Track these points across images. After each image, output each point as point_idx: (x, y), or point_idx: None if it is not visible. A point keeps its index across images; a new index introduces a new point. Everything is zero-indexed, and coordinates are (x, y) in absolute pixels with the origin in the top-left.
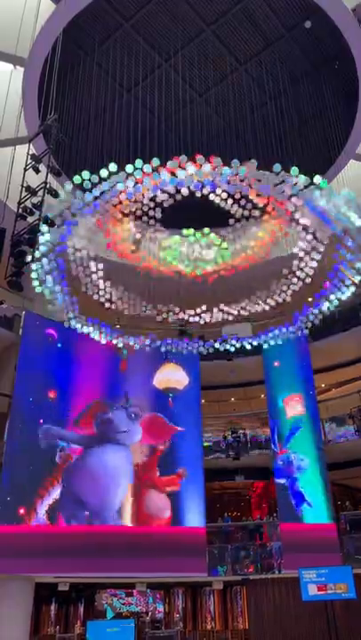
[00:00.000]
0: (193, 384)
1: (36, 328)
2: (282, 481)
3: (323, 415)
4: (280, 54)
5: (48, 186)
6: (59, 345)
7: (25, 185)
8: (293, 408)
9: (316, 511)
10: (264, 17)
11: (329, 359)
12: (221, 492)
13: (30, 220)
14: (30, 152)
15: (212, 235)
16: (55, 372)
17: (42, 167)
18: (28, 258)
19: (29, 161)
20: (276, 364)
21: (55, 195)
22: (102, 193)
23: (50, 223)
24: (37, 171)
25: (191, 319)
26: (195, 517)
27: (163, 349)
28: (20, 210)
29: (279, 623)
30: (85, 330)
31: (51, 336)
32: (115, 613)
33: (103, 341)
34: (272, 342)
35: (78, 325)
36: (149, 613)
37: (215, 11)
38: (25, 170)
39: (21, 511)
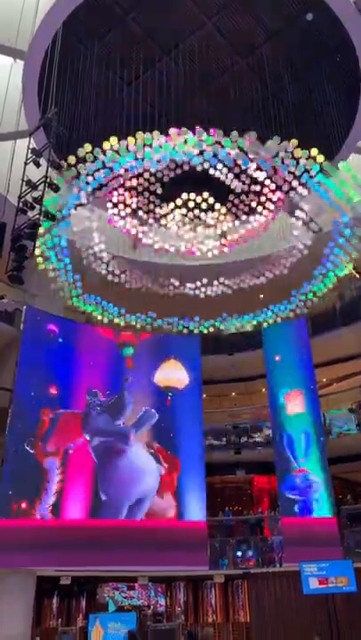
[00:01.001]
0: (194, 379)
1: (37, 323)
2: (293, 497)
3: (324, 410)
4: (281, 47)
5: (49, 180)
6: (60, 340)
7: (25, 179)
8: (294, 404)
9: (317, 505)
10: (265, 9)
11: (330, 354)
12: (223, 487)
13: (31, 214)
14: (31, 146)
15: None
16: (56, 367)
17: (42, 161)
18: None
19: (30, 155)
20: (277, 358)
21: (56, 189)
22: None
23: (51, 217)
24: (38, 165)
25: (191, 292)
26: (196, 511)
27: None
28: (21, 204)
29: (280, 616)
30: (89, 308)
31: (52, 332)
32: (116, 607)
33: (106, 320)
34: (271, 321)
35: (81, 303)
36: (151, 607)
37: (216, 3)
38: (25, 164)
39: (23, 505)
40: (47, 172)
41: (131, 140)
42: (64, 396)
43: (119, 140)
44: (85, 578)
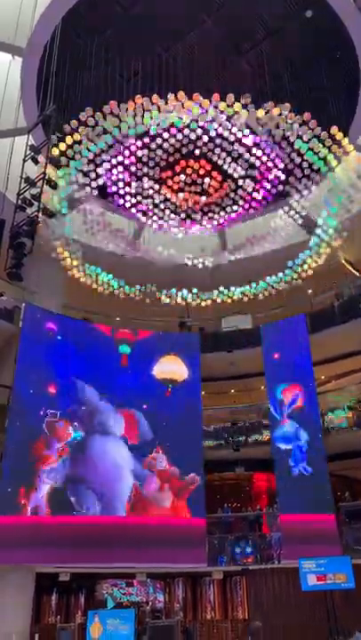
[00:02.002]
0: (193, 376)
1: (36, 320)
2: (286, 446)
3: (322, 407)
4: (280, 44)
5: (47, 177)
6: (58, 337)
7: (24, 176)
8: (293, 399)
9: (315, 502)
10: (266, 6)
11: (329, 351)
12: (221, 483)
13: (29, 211)
14: (29, 143)
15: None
16: (55, 364)
17: (40, 158)
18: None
19: (28, 152)
20: (275, 355)
21: (54, 186)
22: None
23: (50, 215)
24: (36, 162)
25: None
26: (195, 508)
27: None
28: (20, 201)
29: (279, 613)
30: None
31: (51, 330)
32: (115, 603)
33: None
34: (266, 293)
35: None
36: (150, 603)
37: (216, 0)
38: (24, 161)
39: (22, 502)
40: (45, 168)
41: (131, 104)
42: (63, 394)
43: (119, 104)
44: (84, 574)
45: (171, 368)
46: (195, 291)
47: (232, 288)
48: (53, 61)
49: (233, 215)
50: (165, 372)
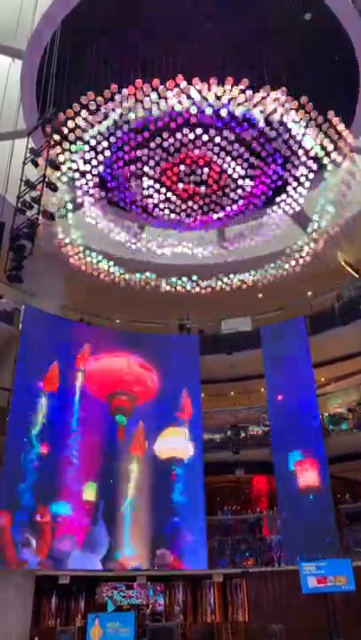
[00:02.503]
0: (194, 382)
1: (36, 322)
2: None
3: (322, 409)
4: (279, 47)
5: (47, 179)
6: (57, 340)
7: (24, 179)
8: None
9: (316, 503)
10: (265, 9)
11: (329, 353)
12: (221, 486)
13: (29, 213)
14: (29, 146)
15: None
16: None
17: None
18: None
19: (28, 154)
20: (275, 357)
21: (54, 188)
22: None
23: (50, 216)
24: (36, 164)
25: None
26: (195, 511)
27: None
28: (19, 204)
29: (279, 615)
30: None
31: (50, 331)
32: (115, 606)
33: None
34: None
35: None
36: (150, 606)
37: (215, 3)
38: (24, 164)
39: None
40: (45, 170)
41: (131, 88)
42: (61, 396)
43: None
44: (84, 577)
45: (175, 445)
46: (195, 278)
47: (231, 275)
48: (53, 64)
49: (233, 209)
50: (168, 450)
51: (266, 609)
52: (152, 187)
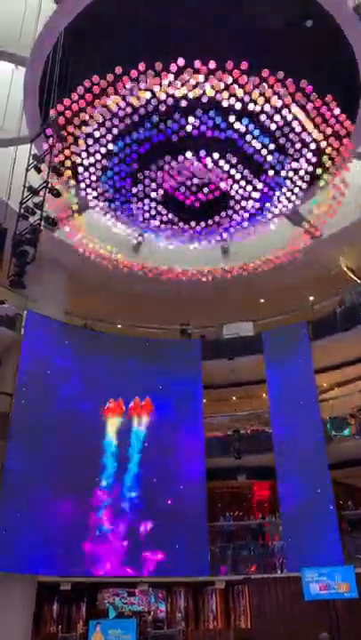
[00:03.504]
0: (195, 384)
1: (38, 328)
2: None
3: (324, 415)
4: (280, 54)
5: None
6: (60, 345)
7: (27, 185)
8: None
9: (318, 509)
10: (265, 16)
11: (331, 358)
12: (223, 492)
13: (32, 219)
14: (32, 152)
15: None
16: (57, 372)
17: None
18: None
19: (31, 161)
20: (276, 362)
21: (57, 194)
22: None
23: (52, 222)
24: (39, 171)
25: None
26: (196, 516)
27: None
28: (22, 210)
29: (282, 622)
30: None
31: (53, 337)
32: (117, 613)
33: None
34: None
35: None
36: (151, 613)
37: (215, 7)
38: (27, 170)
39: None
40: (48, 177)
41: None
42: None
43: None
44: (86, 584)
45: None
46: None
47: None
48: (56, 71)
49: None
50: None
51: (268, 615)
52: (155, 208)
